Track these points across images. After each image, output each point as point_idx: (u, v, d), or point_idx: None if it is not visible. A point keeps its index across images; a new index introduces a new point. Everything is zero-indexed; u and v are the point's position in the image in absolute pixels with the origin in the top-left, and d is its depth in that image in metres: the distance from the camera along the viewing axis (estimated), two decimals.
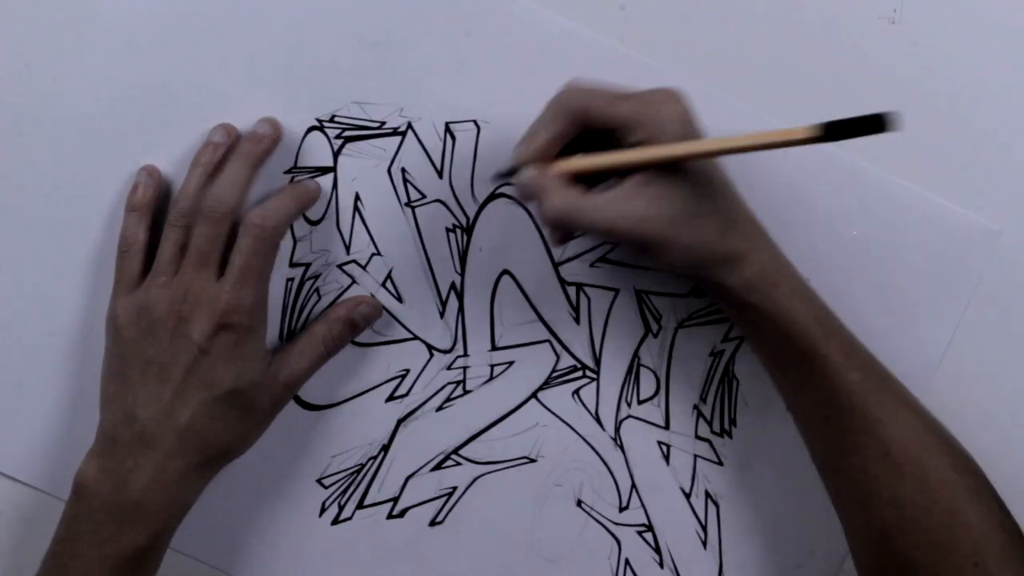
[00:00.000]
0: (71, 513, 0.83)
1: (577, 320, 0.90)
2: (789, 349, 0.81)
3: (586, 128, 0.80)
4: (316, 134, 0.88)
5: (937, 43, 0.88)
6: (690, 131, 0.78)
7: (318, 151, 0.89)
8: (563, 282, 0.90)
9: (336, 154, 0.89)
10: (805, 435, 0.84)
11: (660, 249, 0.79)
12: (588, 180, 0.80)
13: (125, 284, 0.86)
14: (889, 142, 0.87)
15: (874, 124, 0.70)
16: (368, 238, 0.89)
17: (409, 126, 0.88)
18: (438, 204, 0.89)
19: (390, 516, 0.91)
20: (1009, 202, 0.88)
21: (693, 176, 0.78)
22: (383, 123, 0.88)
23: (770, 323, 0.81)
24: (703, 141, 0.78)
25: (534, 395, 0.91)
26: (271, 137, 0.87)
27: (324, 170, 0.89)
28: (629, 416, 0.90)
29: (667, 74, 0.87)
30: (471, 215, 0.89)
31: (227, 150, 0.87)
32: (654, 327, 0.90)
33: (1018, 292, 0.89)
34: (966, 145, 0.88)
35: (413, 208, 0.89)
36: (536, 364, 0.90)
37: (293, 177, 0.88)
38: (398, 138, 0.88)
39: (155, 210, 0.88)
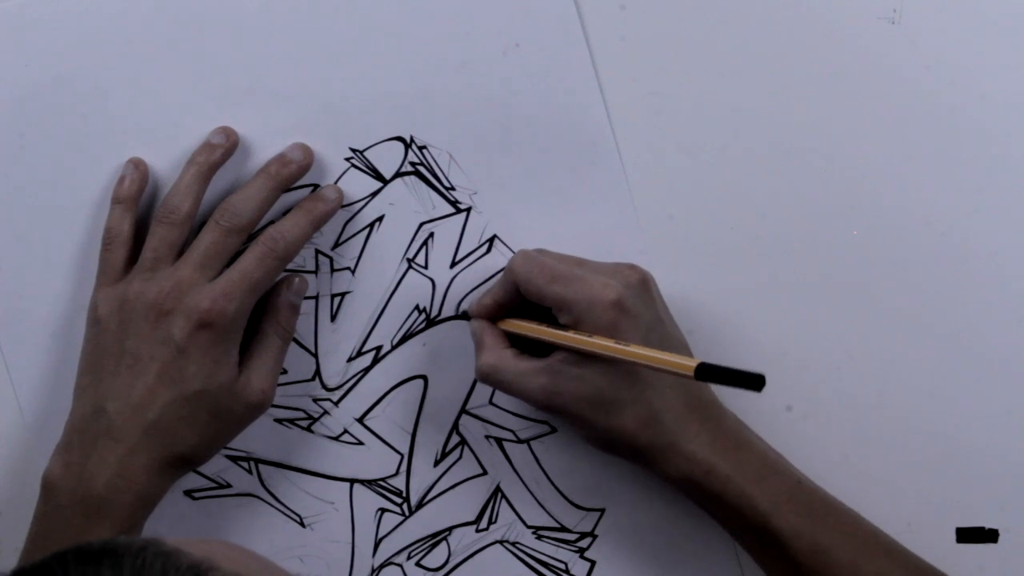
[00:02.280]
0: (40, 510, 0.83)
1: (435, 463, 0.91)
2: (740, 525, 0.84)
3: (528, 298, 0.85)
4: (397, 144, 0.89)
5: (937, 43, 0.88)
6: (619, 321, 0.81)
7: (390, 159, 0.89)
8: (456, 427, 0.90)
9: (400, 172, 0.89)
10: None
11: (575, 425, 0.85)
12: (538, 344, 0.84)
13: (108, 276, 0.86)
14: (889, 142, 0.88)
15: (750, 382, 0.76)
16: (358, 253, 0.89)
17: (468, 212, 0.89)
18: (429, 282, 0.89)
19: None
20: (1009, 202, 0.88)
21: (617, 365, 0.82)
22: (453, 188, 0.88)
23: (713, 504, 0.84)
24: (605, 343, 0.81)
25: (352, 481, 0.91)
26: (299, 164, 0.87)
27: (379, 177, 0.89)
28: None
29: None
30: (444, 314, 0.90)
31: (224, 152, 0.87)
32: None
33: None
34: (966, 145, 0.88)
35: (409, 266, 0.89)
36: (376, 459, 0.91)
37: (315, 187, 0.88)
38: (451, 208, 0.89)
39: (141, 203, 0.88)
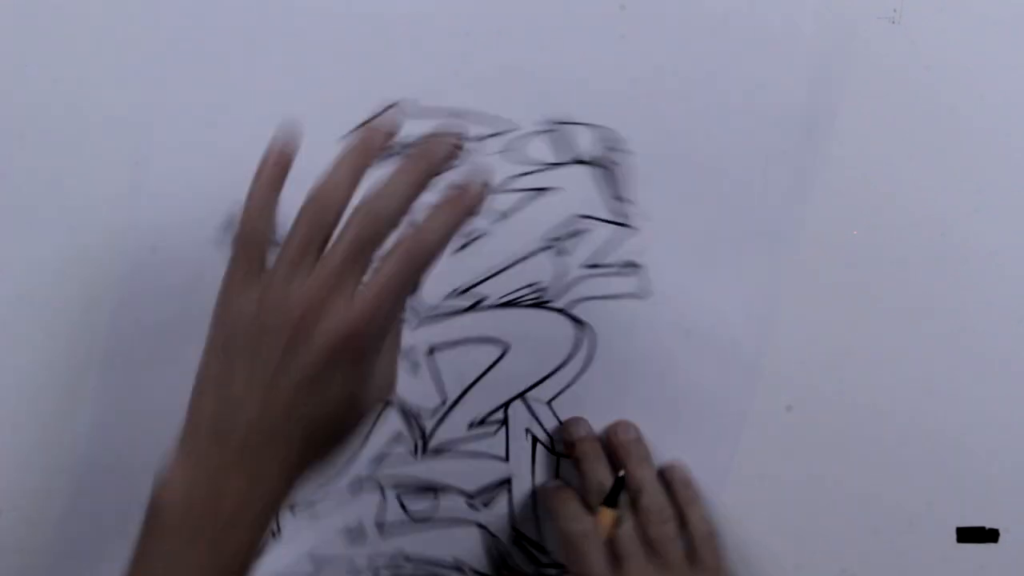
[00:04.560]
0: (152, 529, 0.73)
1: (469, 425, 0.91)
2: None
3: None
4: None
5: (937, 43, 0.88)
6: None
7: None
8: (506, 405, 0.91)
9: (583, 160, 0.88)
10: None
11: None
12: None
13: (244, 271, 0.74)
14: (888, 142, 0.88)
15: None
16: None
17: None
18: (557, 267, 0.89)
19: None
20: (1009, 202, 0.88)
21: None
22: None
23: None
24: None
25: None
26: (451, 145, 0.74)
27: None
28: None
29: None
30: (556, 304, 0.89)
31: (386, 137, 0.76)
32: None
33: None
34: (966, 145, 0.88)
35: (547, 247, 0.88)
36: (422, 389, 0.90)
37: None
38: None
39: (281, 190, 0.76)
